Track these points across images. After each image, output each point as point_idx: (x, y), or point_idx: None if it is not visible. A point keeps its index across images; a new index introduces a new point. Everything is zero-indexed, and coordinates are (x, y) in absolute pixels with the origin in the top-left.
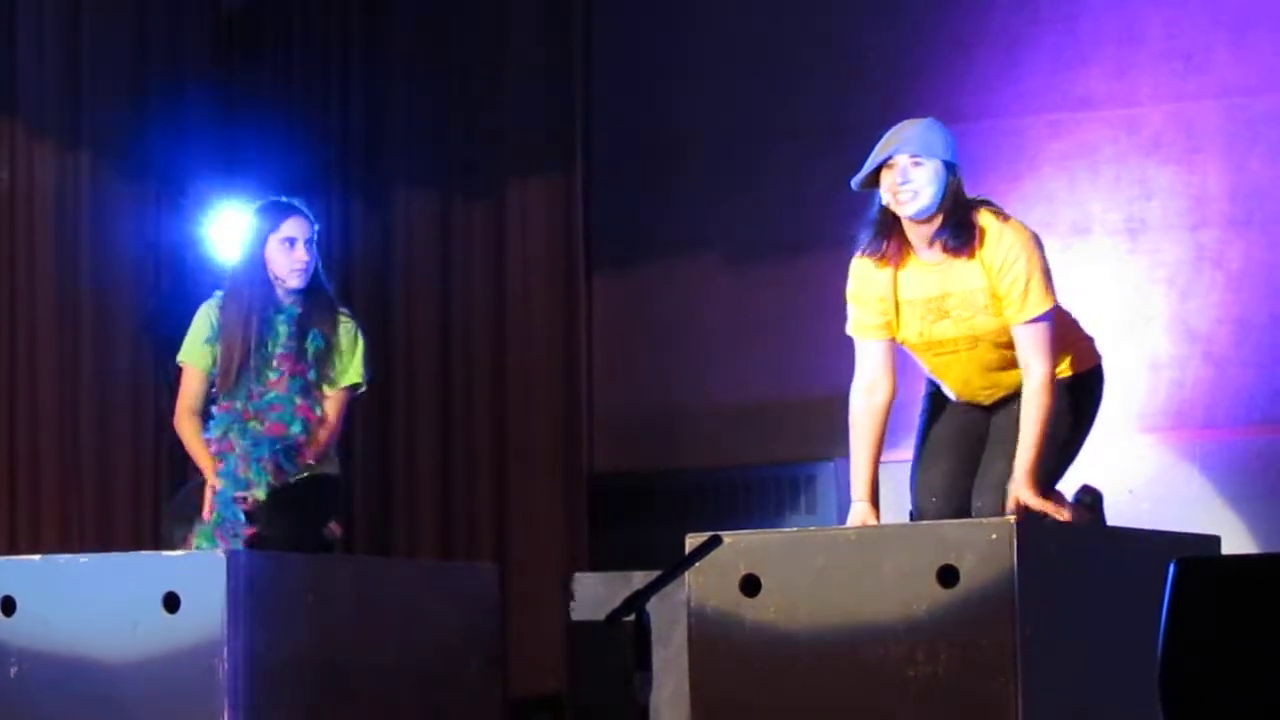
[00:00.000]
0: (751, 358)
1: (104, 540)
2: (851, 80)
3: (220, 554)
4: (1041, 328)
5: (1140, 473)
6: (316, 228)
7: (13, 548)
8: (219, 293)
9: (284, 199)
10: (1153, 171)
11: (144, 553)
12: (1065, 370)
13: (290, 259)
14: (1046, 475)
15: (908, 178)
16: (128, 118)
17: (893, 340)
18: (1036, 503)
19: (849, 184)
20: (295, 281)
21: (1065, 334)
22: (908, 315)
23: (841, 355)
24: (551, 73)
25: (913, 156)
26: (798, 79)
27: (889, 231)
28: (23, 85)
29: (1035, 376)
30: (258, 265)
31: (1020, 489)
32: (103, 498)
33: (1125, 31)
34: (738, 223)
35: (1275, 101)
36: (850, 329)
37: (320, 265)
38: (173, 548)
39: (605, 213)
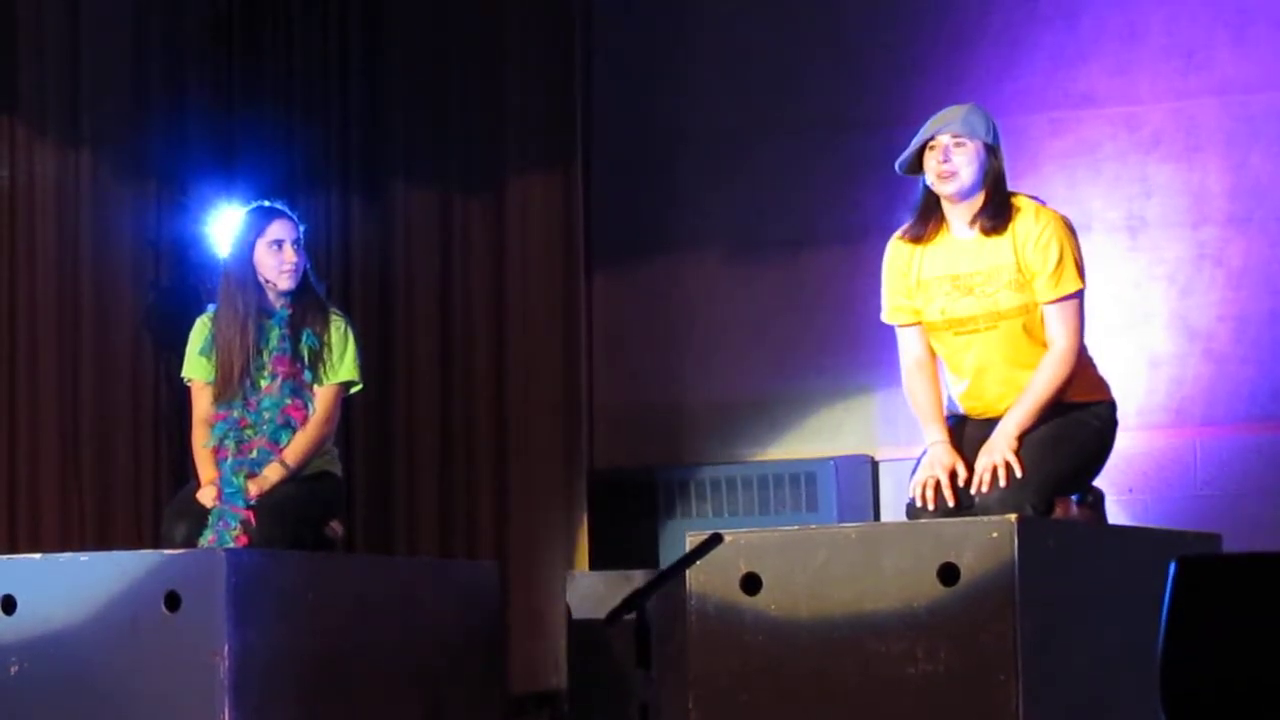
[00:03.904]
0: (752, 354)
1: (104, 538)
2: (852, 77)
3: (221, 552)
4: (1071, 305)
5: (1140, 470)
6: (303, 229)
7: (13, 546)
8: (211, 306)
9: (267, 203)
10: (1153, 169)
11: (145, 551)
12: (1104, 395)
13: (279, 261)
14: (1056, 480)
15: (949, 157)
16: (128, 116)
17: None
18: (1007, 457)
19: (845, 172)
20: (286, 283)
21: (1093, 370)
22: (933, 291)
23: (842, 353)
24: (551, 68)
25: (954, 136)
26: (799, 75)
27: (931, 213)
28: (23, 83)
29: (1058, 348)
30: (247, 271)
31: (999, 441)
32: (103, 495)
33: (1126, 29)
34: (738, 219)
35: (1276, 99)
36: (887, 316)
37: (309, 266)
38: (173, 546)
39: (606, 209)
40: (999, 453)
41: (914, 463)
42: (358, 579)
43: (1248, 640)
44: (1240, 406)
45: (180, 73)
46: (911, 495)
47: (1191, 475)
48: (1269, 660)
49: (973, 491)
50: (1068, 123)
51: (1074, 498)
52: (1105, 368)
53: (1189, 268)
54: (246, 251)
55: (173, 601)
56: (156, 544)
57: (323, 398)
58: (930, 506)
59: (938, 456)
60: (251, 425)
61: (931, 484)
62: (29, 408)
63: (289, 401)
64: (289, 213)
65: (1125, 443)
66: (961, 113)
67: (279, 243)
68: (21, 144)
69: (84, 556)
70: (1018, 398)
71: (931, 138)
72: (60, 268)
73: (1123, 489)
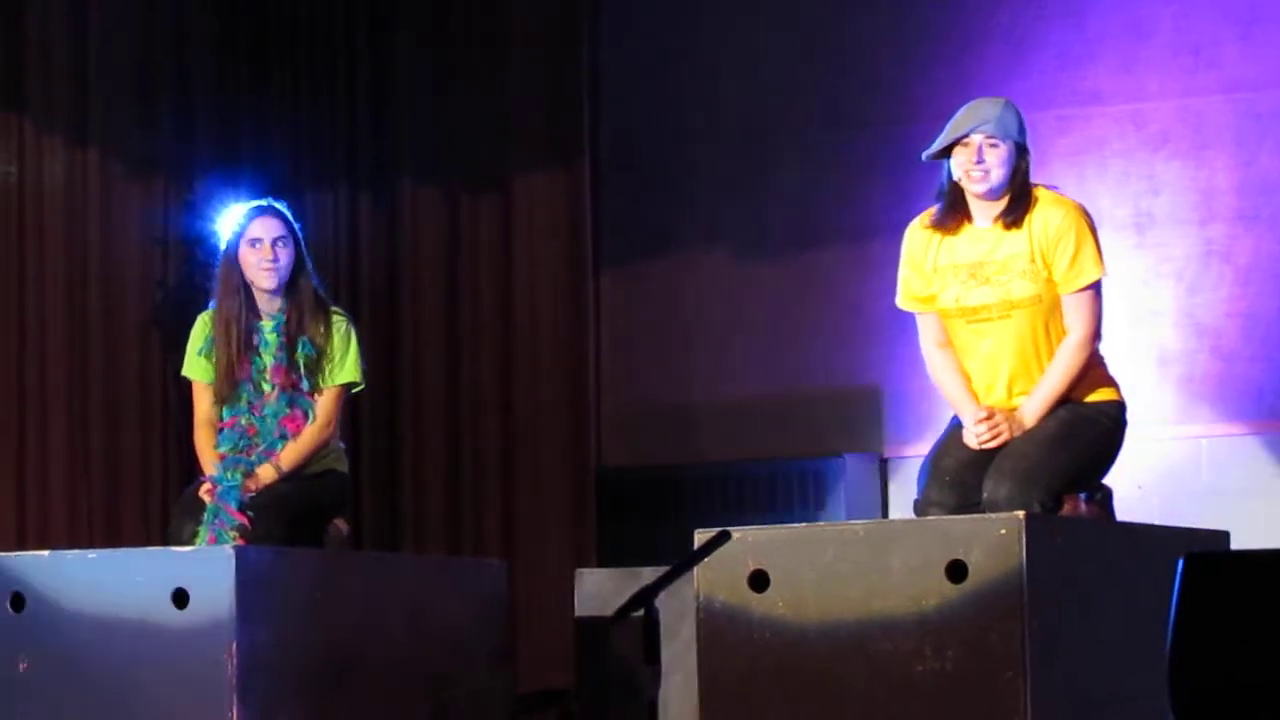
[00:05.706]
0: (760, 353)
1: (112, 536)
2: (859, 76)
3: (229, 550)
4: (1090, 295)
5: (1149, 468)
6: (290, 225)
7: (22, 543)
8: (212, 304)
9: (255, 201)
10: (1161, 166)
11: (153, 548)
12: (1113, 394)
13: (259, 259)
14: (1065, 477)
15: (983, 157)
16: (135, 115)
17: None
18: (1032, 420)
19: (853, 170)
20: (266, 282)
21: (1102, 370)
22: (948, 279)
23: (851, 351)
24: (558, 66)
25: (989, 136)
26: (805, 75)
27: (957, 205)
28: (31, 81)
29: (1075, 334)
30: (233, 271)
31: (1025, 411)
32: (111, 493)
33: (1133, 26)
34: (746, 219)
35: None
36: (901, 302)
37: (309, 263)
38: (181, 544)
39: (613, 207)
40: (1013, 427)
41: (921, 461)
42: (365, 577)
43: (1257, 637)
44: (1248, 404)
45: (188, 71)
46: (978, 445)
47: (1199, 472)
48: (1277, 657)
49: (976, 444)
50: (1075, 120)
51: (1082, 495)
52: (1113, 365)
53: (1197, 265)
54: (231, 252)
55: (181, 599)
56: (165, 542)
57: (323, 401)
58: (991, 437)
59: (973, 412)
60: (258, 433)
61: (987, 422)
62: (38, 406)
63: (286, 412)
64: (275, 209)
65: (1133, 440)
66: (996, 111)
67: (257, 241)
68: (30, 143)
69: (92, 554)
70: (1033, 387)
71: (966, 134)
72: (69, 266)
73: (1131, 486)
